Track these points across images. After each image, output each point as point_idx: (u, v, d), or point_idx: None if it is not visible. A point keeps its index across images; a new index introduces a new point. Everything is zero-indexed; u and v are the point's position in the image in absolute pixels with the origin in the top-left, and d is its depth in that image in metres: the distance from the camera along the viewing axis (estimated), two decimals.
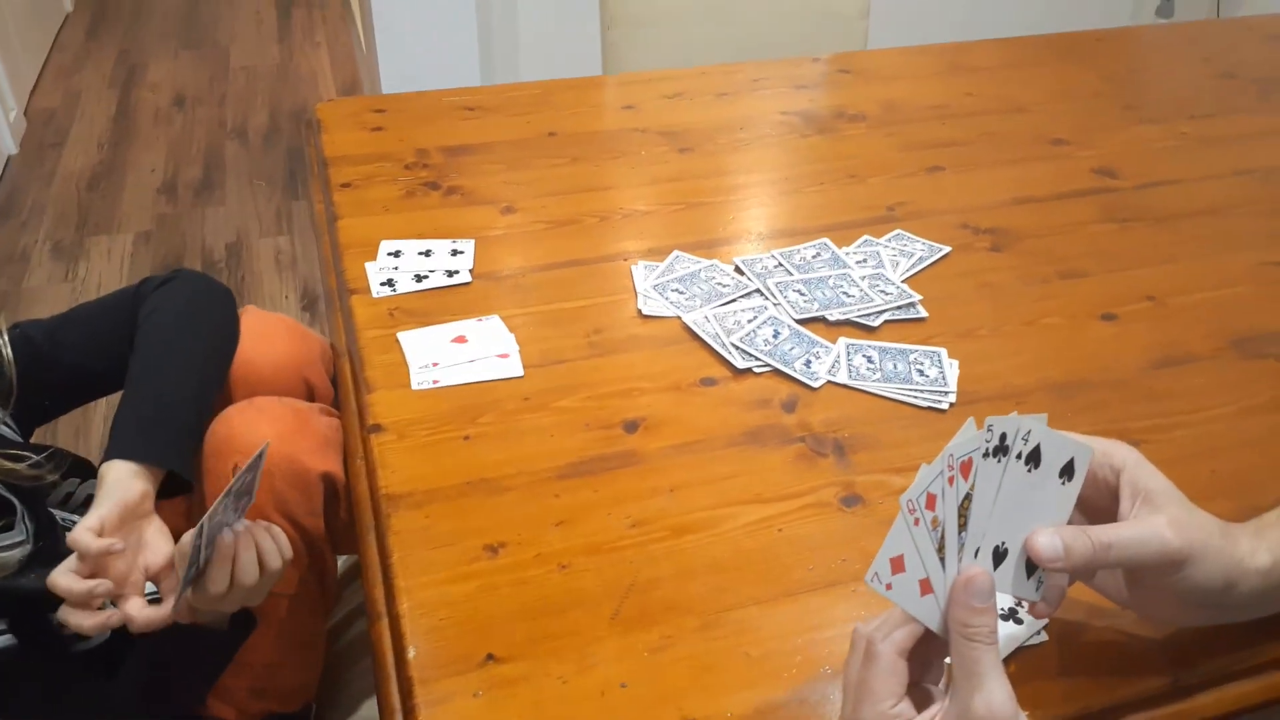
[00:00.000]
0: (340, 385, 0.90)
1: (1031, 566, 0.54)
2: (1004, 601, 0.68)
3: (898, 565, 0.51)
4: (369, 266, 1.01)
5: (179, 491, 0.83)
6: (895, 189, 1.18)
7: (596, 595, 0.68)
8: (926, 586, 0.51)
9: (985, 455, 0.51)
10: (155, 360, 0.83)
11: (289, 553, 0.78)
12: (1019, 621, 0.67)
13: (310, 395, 0.96)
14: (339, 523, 0.87)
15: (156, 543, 0.76)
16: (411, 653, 0.64)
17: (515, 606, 0.67)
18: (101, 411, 1.99)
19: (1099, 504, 0.58)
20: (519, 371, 0.88)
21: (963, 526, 0.51)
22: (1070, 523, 0.55)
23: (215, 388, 0.88)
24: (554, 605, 0.68)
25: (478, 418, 0.83)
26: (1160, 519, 0.55)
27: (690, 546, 0.72)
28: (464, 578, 0.69)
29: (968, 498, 0.51)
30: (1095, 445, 0.57)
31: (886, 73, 1.48)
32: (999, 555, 0.53)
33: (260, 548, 0.75)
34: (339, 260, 1.03)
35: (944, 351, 0.91)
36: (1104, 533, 0.54)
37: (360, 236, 1.06)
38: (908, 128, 1.32)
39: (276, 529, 0.78)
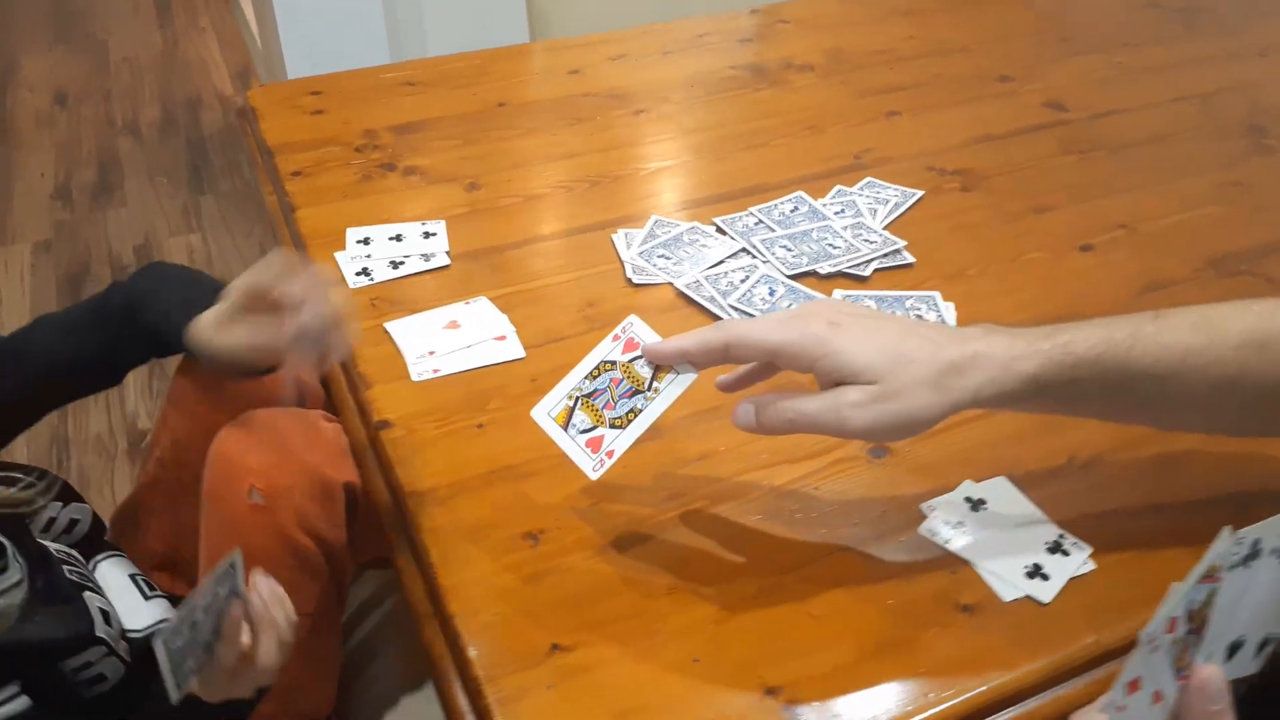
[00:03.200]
0: (333, 384, 0.85)
1: (1261, 645, 0.51)
2: (1049, 535, 0.69)
3: (1133, 687, 0.48)
4: (339, 256, 0.97)
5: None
6: (857, 137, 1.18)
7: (647, 572, 0.67)
8: (1158, 696, 0.47)
9: (1232, 567, 0.47)
10: (172, 276, 0.81)
11: (293, 614, 0.68)
12: (1066, 553, 0.68)
13: (302, 398, 0.91)
14: (356, 531, 0.83)
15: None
16: (472, 652, 0.61)
17: (567, 593, 0.65)
18: None
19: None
20: (520, 353, 0.85)
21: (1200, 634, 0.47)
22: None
23: None
24: (607, 588, 0.66)
25: (486, 404, 0.80)
26: (849, 397, 0.60)
27: (731, 513, 0.71)
28: (509, 569, 0.67)
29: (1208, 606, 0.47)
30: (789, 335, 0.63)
31: (825, 21, 1.47)
32: (1233, 648, 0.50)
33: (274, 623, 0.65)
34: (304, 252, 0.98)
35: (938, 295, 0.92)
36: (794, 410, 0.61)
37: (322, 226, 1.01)
38: (857, 75, 1.32)
39: (279, 591, 0.67)
